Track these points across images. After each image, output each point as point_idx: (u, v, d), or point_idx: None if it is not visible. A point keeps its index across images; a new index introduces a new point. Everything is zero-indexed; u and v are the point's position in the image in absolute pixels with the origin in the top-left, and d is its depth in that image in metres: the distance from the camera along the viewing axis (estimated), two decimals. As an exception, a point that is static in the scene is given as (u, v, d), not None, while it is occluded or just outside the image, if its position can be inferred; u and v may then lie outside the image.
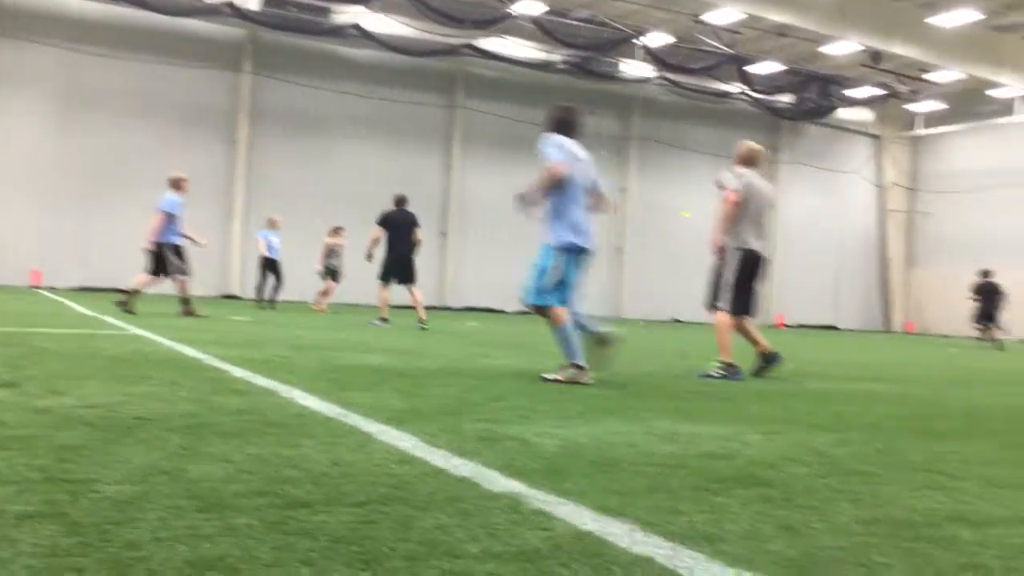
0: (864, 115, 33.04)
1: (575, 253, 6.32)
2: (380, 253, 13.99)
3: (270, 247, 19.10)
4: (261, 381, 5.05)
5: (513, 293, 31.88)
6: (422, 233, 14.02)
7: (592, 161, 6.68)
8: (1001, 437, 4.55)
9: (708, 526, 2.36)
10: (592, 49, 26.37)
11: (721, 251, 7.56)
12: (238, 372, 5.46)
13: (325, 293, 19.38)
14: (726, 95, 29.10)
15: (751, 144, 7.96)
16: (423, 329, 12.91)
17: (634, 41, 26.23)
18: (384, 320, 13.64)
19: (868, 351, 15.85)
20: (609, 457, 3.28)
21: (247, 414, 3.78)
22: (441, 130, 27.92)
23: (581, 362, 6.09)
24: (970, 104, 31.46)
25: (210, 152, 25.86)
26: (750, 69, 27.52)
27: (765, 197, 7.74)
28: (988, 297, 21.35)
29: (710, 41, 26.45)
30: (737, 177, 7.56)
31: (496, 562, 1.93)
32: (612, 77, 27.85)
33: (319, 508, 2.30)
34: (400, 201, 14.29)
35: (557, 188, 6.26)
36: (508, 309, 27.80)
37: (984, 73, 26.93)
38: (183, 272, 12.69)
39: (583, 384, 5.91)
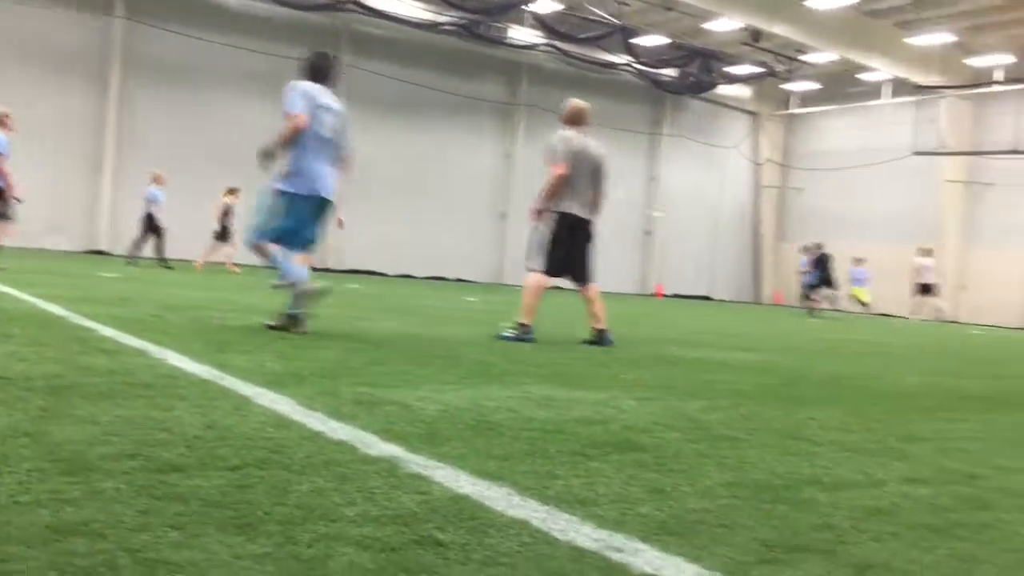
0: (743, 92, 34.00)
1: (302, 200, 6.27)
2: None
3: (155, 203, 18.40)
4: (131, 341, 4.88)
5: (398, 257, 31.46)
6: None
7: (344, 114, 6.61)
8: (855, 405, 4.81)
9: (582, 490, 2.42)
10: (481, 13, 26.19)
11: (538, 215, 7.48)
12: (107, 331, 5.26)
13: (224, 253, 19.03)
14: (612, 66, 29.42)
15: (578, 103, 7.86)
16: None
17: (523, 7, 26.18)
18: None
19: (738, 321, 16.46)
20: (488, 422, 3.32)
21: (116, 375, 3.65)
22: (325, 88, 27.36)
23: (289, 281, 6.18)
24: (842, 86, 32.74)
25: (80, 101, 24.56)
26: (636, 41, 27.88)
27: (592, 158, 7.52)
28: (822, 267, 23.44)
29: (597, 11, 26.65)
30: (562, 142, 7.43)
31: (372, 525, 1.93)
32: (500, 42, 27.76)
33: (192, 472, 2.25)
34: None
35: (296, 140, 6.21)
36: (390, 272, 27.62)
37: (856, 56, 28.03)
38: (3, 216, 11.66)
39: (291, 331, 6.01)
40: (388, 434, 2.93)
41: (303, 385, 3.80)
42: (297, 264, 6.34)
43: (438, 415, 3.37)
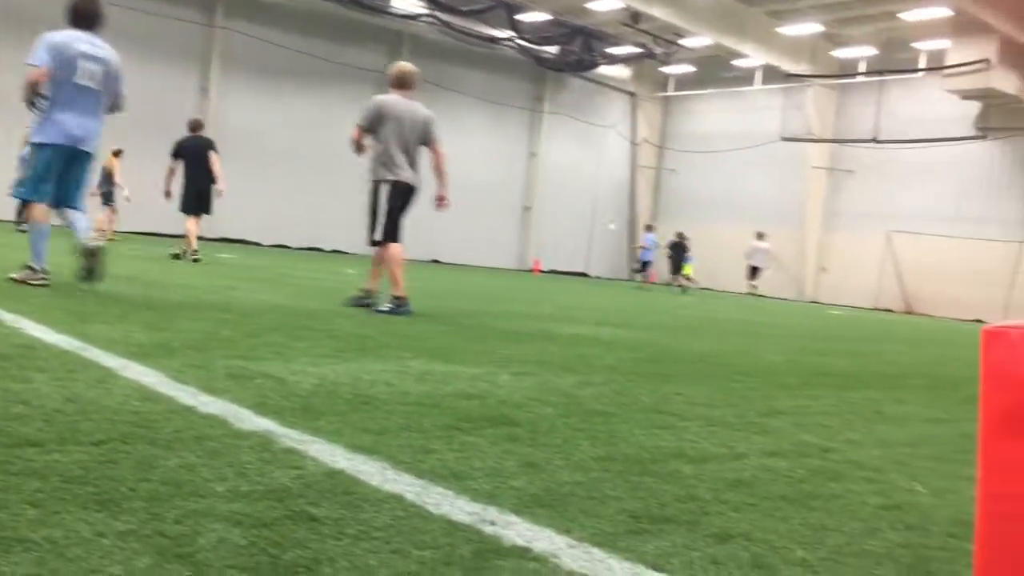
0: (622, 73, 34.54)
1: (58, 150, 6.24)
2: (178, 186, 13.05)
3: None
4: (-16, 309, 4.62)
5: (273, 227, 30.71)
6: (217, 158, 13.02)
7: (112, 61, 6.56)
8: (721, 381, 5.00)
9: (457, 464, 2.44)
10: (364, -21, 25.74)
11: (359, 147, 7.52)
12: (-43, 298, 4.97)
13: (109, 220, 18.24)
14: (494, 40, 29.40)
15: (402, 66, 7.84)
16: (193, 261, 12.37)
17: (407, -24, 25.88)
18: (195, 252, 12.72)
19: (613, 298, 16.82)
20: (364, 396, 3.30)
21: (-33, 345, 3.46)
22: (198, 51, 26.29)
23: (36, 265, 6.21)
24: (716, 71, 33.70)
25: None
26: (519, 17, 27.92)
27: (412, 122, 7.46)
28: (677, 252, 27.17)
29: (482, -16, 26.58)
30: (373, 106, 7.46)
31: (243, 501, 1.90)
32: (382, 11, 27.33)
33: (51, 447, 2.16)
34: (194, 126, 13.34)
35: (39, 90, 6.15)
36: (265, 242, 26.97)
37: (730, 43, 28.86)
38: None
39: (32, 285, 6.07)
40: (262, 408, 2.88)
41: (172, 357, 3.69)
42: (81, 220, 6.44)
43: (313, 389, 3.33)
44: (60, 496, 1.81)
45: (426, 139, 7.60)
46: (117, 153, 18.52)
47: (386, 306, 7.21)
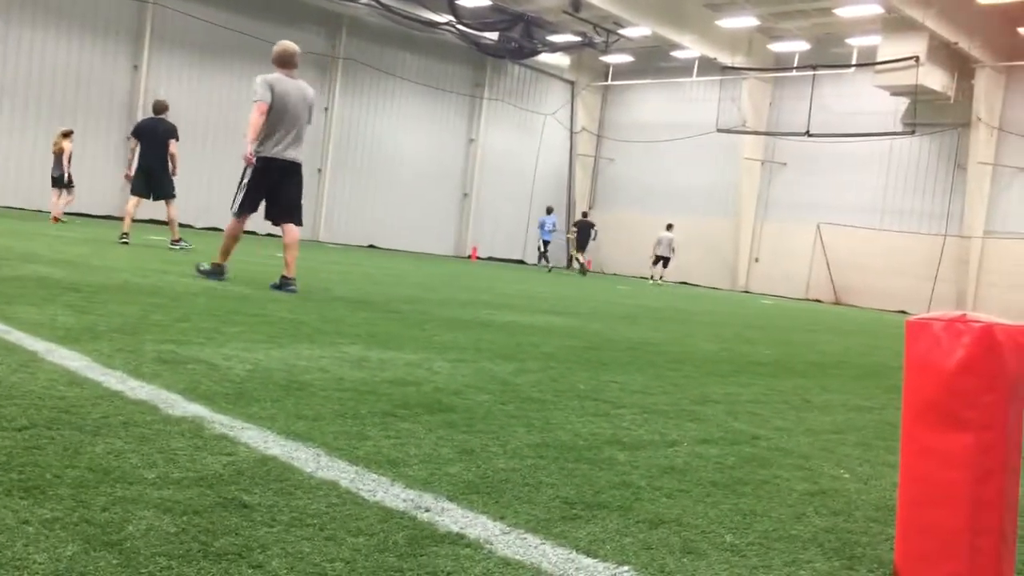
0: (562, 61, 34.58)
1: None
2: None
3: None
4: (-99, 290, 4.46)
5: (206, 209, 30.22)
6: (175, 145, 12.77)
7: None
8: (656, 369, 5.07)
9: (393, 450, 2.44)
10: (302, -41, 25.31)
11: (249, 160, 7.55)
12: None
13: (65, 203, 18.02)
14: (434, 25, 29.19)
15: (285, 44, 7.96)
16: (179, 249, 12.26)
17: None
18: (125, 235, 12.50)
19: (549, 286, 16.89)
20: (299, 382, 3.27)
21: None
22: (131, 27, 25.61)
23: None
24: (655, 61, 33.97)
25: None
26: (459, 2, 27.77)
27: (296, 100, 7.62)
28: (583, 231, 28.48)
29: (422, -32, 26.36)
30: (262, 83, 7.54)
31: (173, 488, 1.87)
32: (321, -9, 26.97)
33: (-28, 433, 2.09)
34: (158, 108, 13.00)
35: None
36: (198, 225, 26.45)
37: (668, 34, 29.09)
38: None
39: None
40: (193, 394, 2.83)
41: (99, 341, 3.61)
42: None
43: (247, 375, 3.29)
44: (-18, 483, 1.76)
45: (310, 116, 7.80)
46: (67, 134, 18.10)
47: (206, 266, 7.70)
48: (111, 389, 2.75)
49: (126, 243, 12.17)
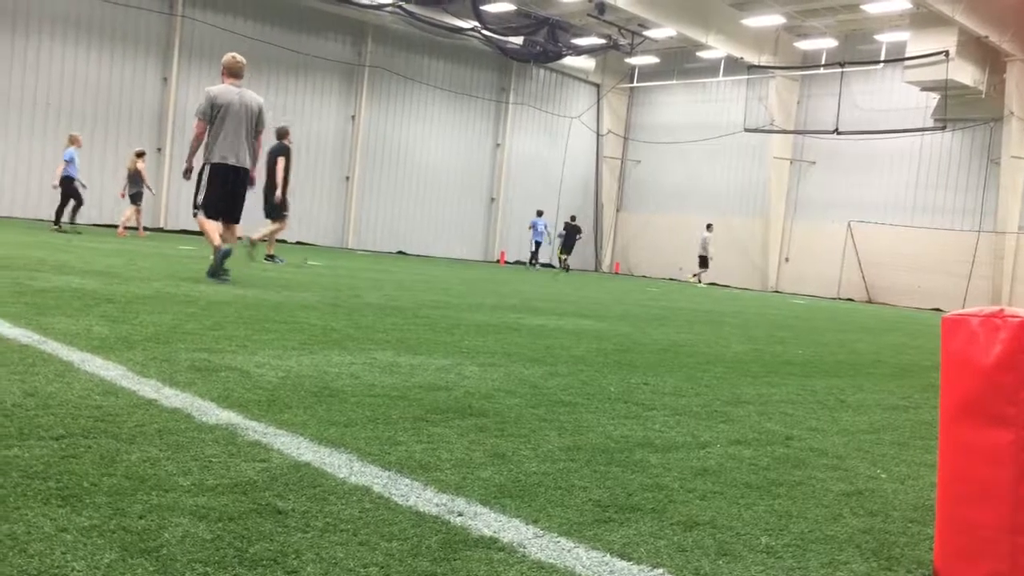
0: (587, 64, 34.54)
1: None
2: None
3: (71, 164, 17.87)
4: (-60, 303, 4.54)
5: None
6: (281, 163, 13.43)
7: None
8: (687, 370, 5.04)
9: (425, 455, 2.44)
10: (327, -31, 25.47)
11: (188, 172, 8.45)
12: (-89, 292, 4.87)
13: (136, 218, 19.25)
14: (459, 31, 29.28)
15: (231, 56, 8.63)
16: (273, 264, 12.85)
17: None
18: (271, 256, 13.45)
19: (578, 289, 16.85)
20: (331, 388, 3.29)
21: (-77, 340, 3.39)
22: (160, 40, 25.90)
23: None
24: (681, 62, 33.84)
25: None
26: (484, 8, 27.83)
27: (241, 108, 8.30)
28: (569, 234, 30.32)
29: (446, -25, 26.45)
30: (206, 98, 8.26)
31: (208, 495, 1.89)
32: (347, 1, 27.10)
33: (11, 442, 2.12)
34: (278, 134, 13.72)
35: None
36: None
37: (694, 34, 28.97)
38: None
39: None
40: (226, 401, 2.85)
41: (134, 350, 3.64)
42: None
43: (279, 382, 3.31)
44: (21, 492, 1.78)
45: (258, 123, 8.52)
46: (141, 154, 19.26)
47: (211, 267, 8.22)
48: (146, 398, 2.78)
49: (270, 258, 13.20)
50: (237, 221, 8.62)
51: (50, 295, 5.50)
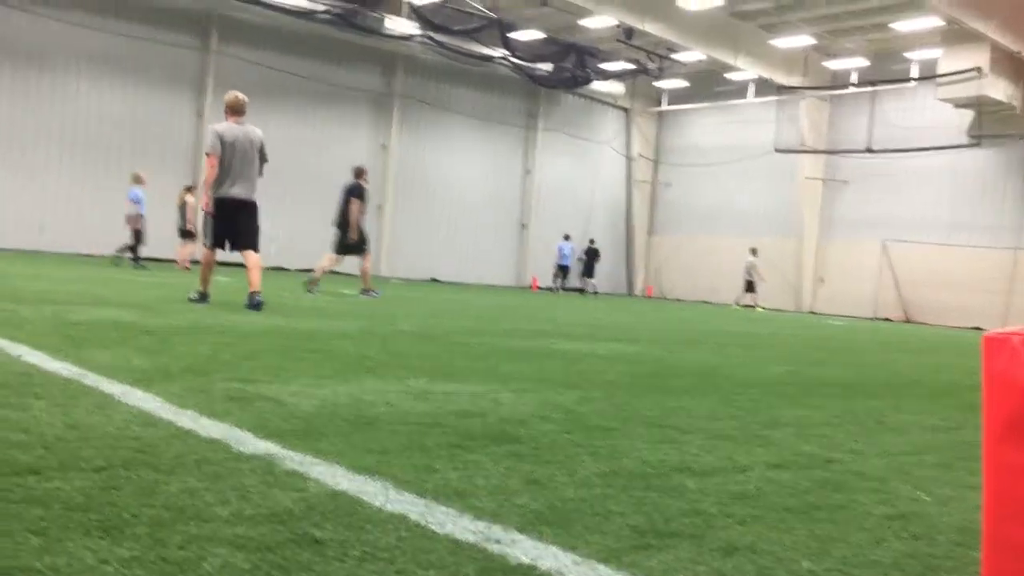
0: (616, 88, 34.64)
1: None
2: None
3: (138, 204, 18.65)
4: (-17, 337, 4.62)
5: (268, 248, 30.81)
6: (355, 204, 13.86)
7: None
8: (722, 393, 4.99)
9: (460, 482, 2.43)
10: (357, 3, 25.80)
11: (207, 205, 8.86)
12: (-45, 327, 4.96)
13: (187, 251, 19.74)
14: (487, 59, 29.51)
15: (233, 94, 9.00)
16: (367, 298, 13.08)
17: (400, -2, 25.98)
18: (314, 283, 13.72)
19: (611, 313, 16.81)
20: (366, 416, 3.30)
21: (-33, 374, 3.45)
22: (194, 75, 26.35)
23: None
24: (710, 84, 33.81)
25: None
26: (512, 35, 28.04)
27: (248, 145, 8.72)
28: (590, 258, 31.29)
29: (473, 4, 26.68)
30: (213, 135, 8.65)
31: (247, 525, 1.90)
32: (376, 32, 27.42)
33: (52, 474, 2.15)
34: (355, 173, 14.25)
35: None
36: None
37: (723, 56, 28.97)
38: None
39: None
40: (263, 431, 2.87)
41: (172, 382, 3.68)
42: None
43: (314, 410, 3.32)
44: (63, 524, 1.80)
45: (263, 156, 8.93)
46: (190, 189, 19.98)
47: (194, 294, 8.73)
48: (184, 428, 2.81)
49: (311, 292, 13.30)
50: (255, 248, 8.97)
51: (89, 328, 5.58)
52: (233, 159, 8.63)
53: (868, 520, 2.42)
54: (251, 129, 8.88)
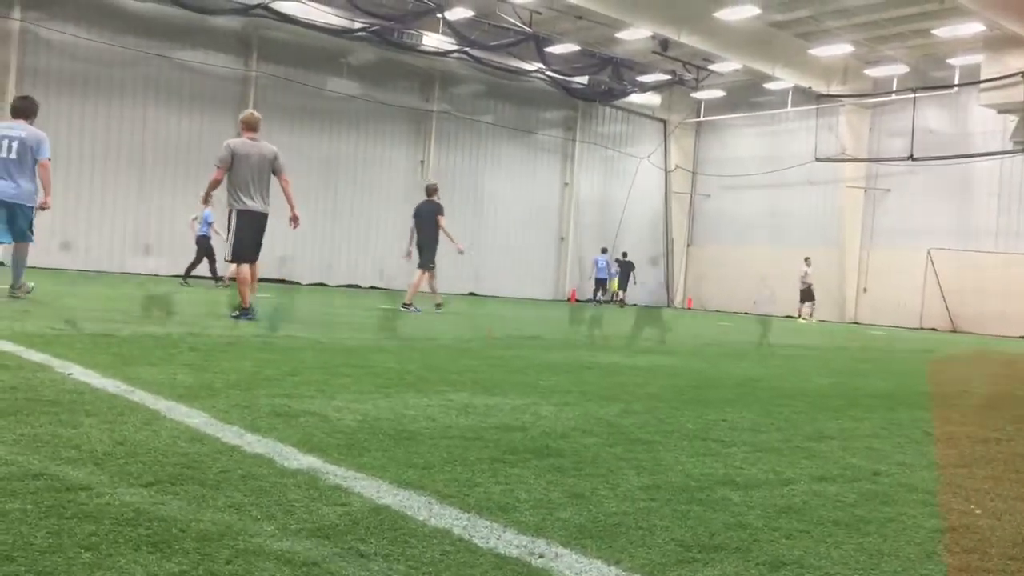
0: (653, 100, 34.55)
1: None
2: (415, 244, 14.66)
3: (209, 224, 18.93)
4: (33, 355, 4.71)
5: (313, 264, 31.07)
6: (443, 220, 14.56)
7: (27, 138, 9.06)
8: (765, 405, 4.94)
9: (503, 496, 2.43)
10: (394, 19, 26.04)
11: (206, 200, 9.80)
12: (5, 346, 5.07)
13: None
14: (524, 73, 29.61)
15: (249, 112, 9.47)
16: (406, 312, 13.32)
17: (437, 15, 26.14)
18: (408, 304, 13.91)
19: (653, 325, 16.71)
20: (408, 431, 3.31)
21: (18, 391, 3.52)
22: (236, 96, 26.73)
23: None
24: (748, 95, 33.60)
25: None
26: (548, 49, 28.11)
27: (258, 159, 8.94)
28: (624, 271, 31.71)
29: (509, 18, 26.79)
30: (224, 150, 8.93)
31: (292, 539, 1.91)
32: (414, 49, 27.66)
33: (102, 490, 2.19)
34: (427, 191, 14.87)
35: None
36: (304, 281, 27.21)
37: (761, 66, 28.80)
38: None
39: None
40: (307, 446, 2.90)
41: (217, 397, 3.73)
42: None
43: (357, 425, 3.34)
44: (113, 539, 1.83)
45: (274, 170, 9.12)
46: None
47: (234, 312, 8.87)
48: (229, 444, 2.84)
49: (439, 306, 13.96)
50: (255, 260, 9.21)
51: (136, 344, 5.67)
52: (249, 173, 8.87)
53: (918, 534, 2.38)
54: (264, 145, 9.14)
